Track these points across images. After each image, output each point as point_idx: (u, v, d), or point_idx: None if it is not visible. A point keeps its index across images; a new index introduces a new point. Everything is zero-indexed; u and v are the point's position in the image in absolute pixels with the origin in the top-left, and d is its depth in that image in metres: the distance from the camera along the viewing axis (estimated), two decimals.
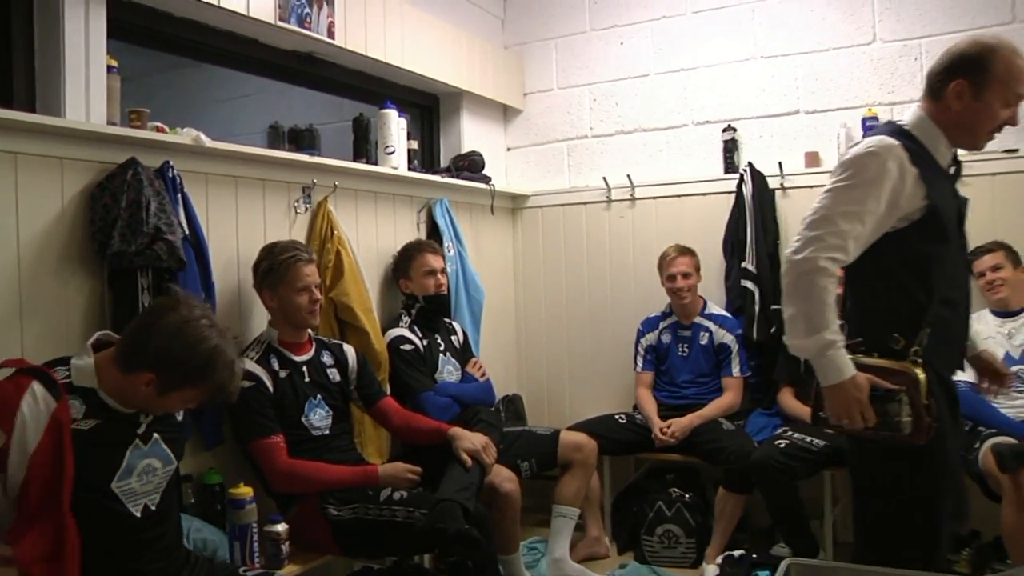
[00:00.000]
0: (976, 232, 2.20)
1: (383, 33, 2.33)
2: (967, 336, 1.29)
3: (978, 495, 2.06)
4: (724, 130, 2.68)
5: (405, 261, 2.33)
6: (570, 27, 2.92)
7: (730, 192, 2.59)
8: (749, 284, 2.52)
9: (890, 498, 1.19)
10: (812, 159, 2.60)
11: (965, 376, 2.06)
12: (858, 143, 1.24)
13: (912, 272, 1.20)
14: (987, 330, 2.30)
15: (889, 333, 1.19)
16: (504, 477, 1.94)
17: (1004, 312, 2.30)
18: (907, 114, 1.25)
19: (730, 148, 2.66)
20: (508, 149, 3.06)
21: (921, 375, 1.13)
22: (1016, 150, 2.42)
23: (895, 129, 1.23)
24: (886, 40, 2.55)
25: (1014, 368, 2.25)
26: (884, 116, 2.55)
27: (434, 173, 2.59)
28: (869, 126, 2.56)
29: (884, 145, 1.18)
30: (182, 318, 1.10)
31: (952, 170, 1.26)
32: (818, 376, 1.18)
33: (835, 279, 1.16)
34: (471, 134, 2.84)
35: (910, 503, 1.17)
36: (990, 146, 1.51)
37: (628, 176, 2.74)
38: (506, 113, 3.01)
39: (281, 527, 1.56)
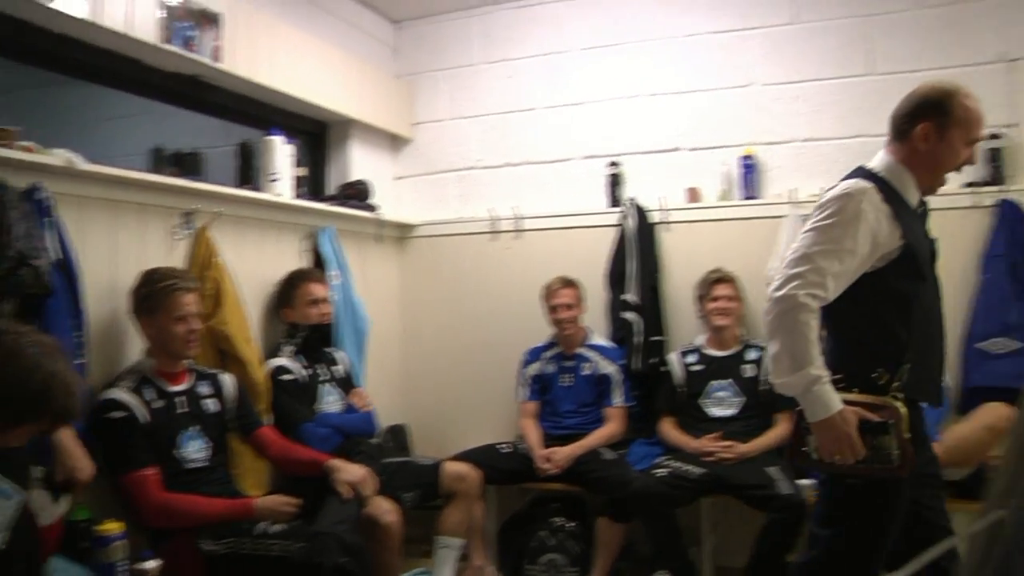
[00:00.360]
0: None
1: (270, 58, 2.80)
2: (943, 370, 1.63)
3: None
4: (609, 165, 3.37)
5: (288, 290, 2.81)
6: (460, 59, 3.57)
7: (614, 225, 3.21)
8: (631, 315, 3.17)
9: (867, 528, 1.45)
10: (693, 195, 3.31)
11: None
12: (834, 187, 1.58)
13: (893, 309, 1.52)
14: None
15: (872, 369, 1.49)
16: (384, 509, 2.27)
17: None
18: (875, 159, 1.63)
19: (614, 182, 3.34)
20: (397, 178, 3.65)
21: (903, 409, 1.45)
22: None
23: (867, 173, 1.57)
24: (765, 83, 3.31)
25: None
26: (762, 155, 3.29)
27: (321, 201, 3.13)
28: (747, 164, 3.33)
29: (858, 187, 1.52)
30: (5, 351, 1.20)
31: (920, 210, 1.63)
32: (805, 412, 1.47)
33: (817, 315, 1.46)
34: (360, 162, 3.41)
35: (883, 532, 1.45)
36: None
37: (515, 208, 3.35)
38: (395, 142, 3.58)
39: (152, 564, 1.72)
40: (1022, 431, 1.29)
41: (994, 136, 3.05)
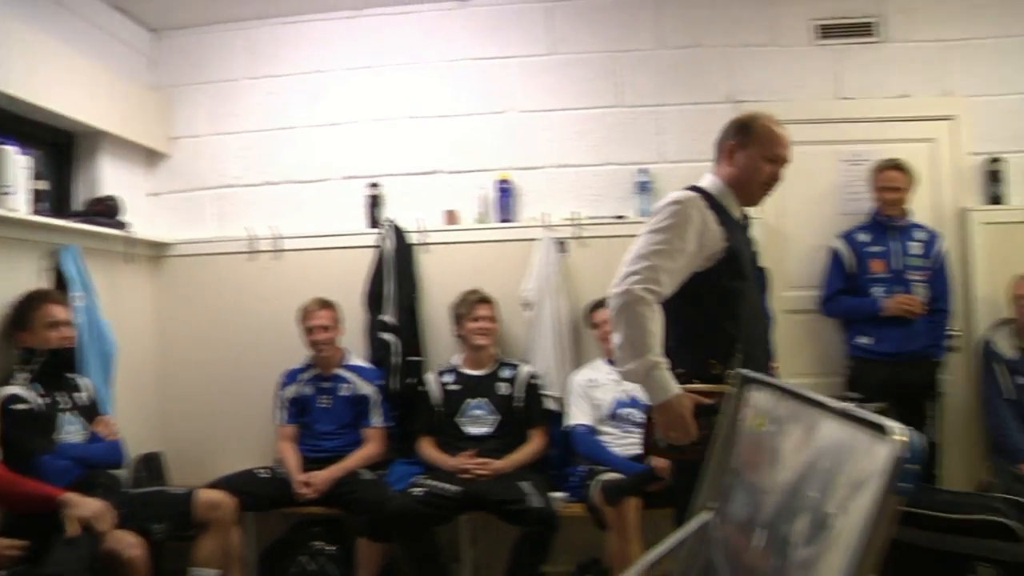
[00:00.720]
0: (594, 288, 4.01)
1: (7, 61, 3.13)
2: (769, 359, 2.22)
3: (589, 525, 3.43)
4: (369, 186, 4.08)
5: (24, 312, 3.12)
6: (222, 73, 4.17)
7: (373, 246, 3.80)
8: (389, 336, 3.86)
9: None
10: (451, 217, 4.09)
11: (584, 420, 3.81)
12: (666, 197, 2.15)
13: (721, 306, 2.07)
14: (601, 377, 3.78)
15: (706, 361, 2.02)
16: (127, 543, 2.46)
17: (615, 360, 4.09)
18: (703, 177, 2.23)
19: (374, 203, 4.06)
20: (151, 195, 4.18)
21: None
22: (623, 216, 4.08)
23: (693, 187, 2.17)
24: (521, 110, 4.17)
25: (622, 411, 3.95)
26: (517, 180, 4.08)
27: (65, 217, 3.52)
28: (503, 188, 4.15)
29: (686, 196, 2.11)
30: None
31: (743, 223, 2.22)
32: (648, 396, 1.99)
33: (654, 308, 1.93)
34: (110, 177, 3.88)
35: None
36: (602, 210, 3.80)
37: (274, 227, 3.90)
38: (151, 157, 4.04)
39: None
40: (721, 440, 1.85)
41: None
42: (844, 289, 3.81)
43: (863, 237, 3.81)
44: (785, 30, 4.23)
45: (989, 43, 4.24)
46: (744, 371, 1.83)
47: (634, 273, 2.01)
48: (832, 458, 1.30)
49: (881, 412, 3.19)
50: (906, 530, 1.65)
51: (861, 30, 4.24)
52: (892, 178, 3.86)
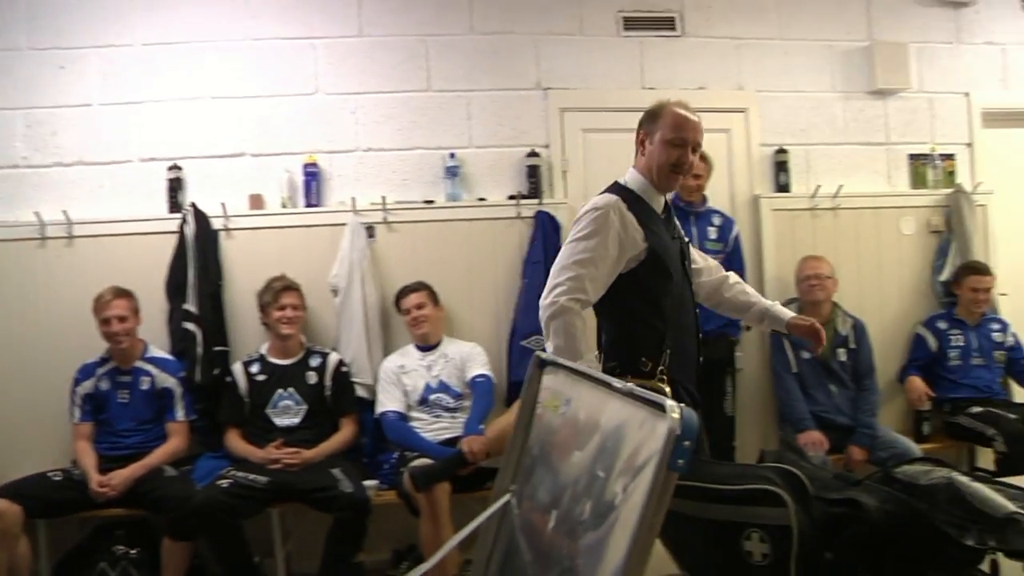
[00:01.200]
0: (403, 274, 4.27)
1: None
2: (698, 354, 2.40)
3: (405, 512, 3.60)
4: (170, 168, 4.05)
5: None
6: (2, 42, 4.02)
7: (174, 232, 3.80)
8: (191, 326, 3.85)
9: None
10: (256, 202, 4.10)
11: (394, 406, 4.03)
12: (588, 203, 2.29)
13: (648, 306, 2.23)
14: (411, 363, 3.94)
15: (638, 358, 2.19)
16: None
17: (425, 346, 4.01)
18: (626, 174, 2.35)
19: (175, 187, 4.04)
20: None
21: (667, 388, 2.15)
22: (433, 201, 4.27)
23: (616, 187, 2.27)
24: (329, 92, 4.25)
25: (432, 396, 4.19)
26: (324, 164, 4.14)
27: None
28: (309, 172, 4.21)
29: (606, 201, 2.23)
30: None
31: (665, 215, 2.31)
32: None
33: (580, 316, 2.12)
34: None
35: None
36: (411, 195, 4.02)
37: (66, 212, 3.79)
38: None
39: None
40: (521, 422, 2.02)
41: (533, 154, 4.40)
42: None
43: None
44: (592, 20, 4.51)
45: (776, 43, 4.70)
46: (542, 354, 2.01)
47: (559, 285, 2.20)
48: (617, 438, 1.37)
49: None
50: (686, 503, 1.72)
51: (663, 24, 4.63)
52: (694, 165, 4.29)
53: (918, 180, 4.80)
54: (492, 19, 4.32)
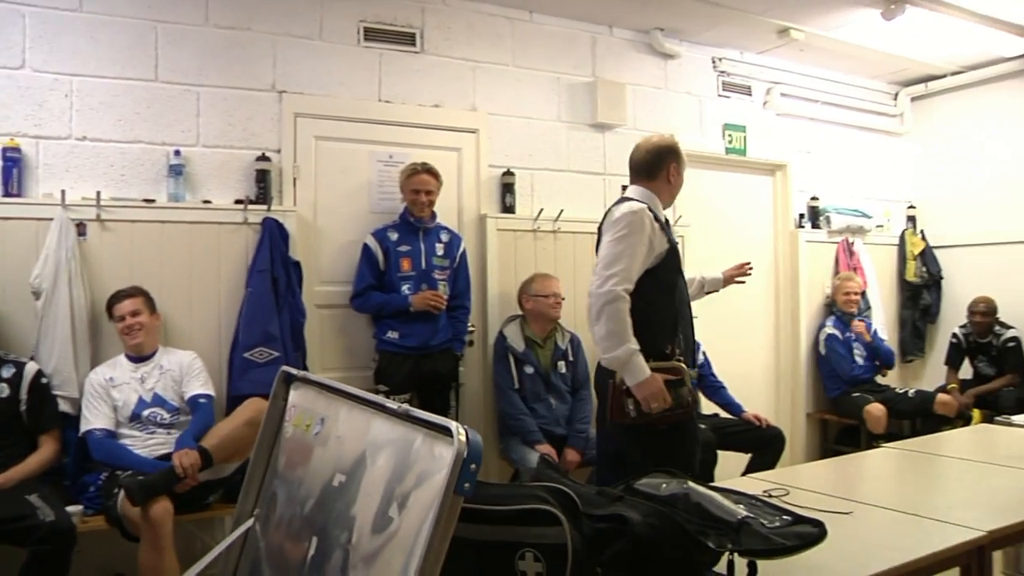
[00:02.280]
0: (117, 277, 4.01)
1: None
2: (694, 341, 2.97)
3: (117, 539, 3.31)
4: None
5: None
6: None
7: None
8: None
9: (676, 461, 2.30)
10: None
11: (101, 423, 3.73)
12: (616, 209, 2.87)
13: (665, 296, 2.76)
14: (122, 375, 3.70)
15: (663, 343, 2.73)
16: None
17: (138, 357, 3.75)
18: (632, 191, 2.97)
19: None
20: None
21: (686, 368, 2.69)
22: (153, 200, 4.07)
23: (635, 200, 2.87)
24: (38, 70, 3.93)
25: (145, 412, 4.04)
26: (28, 149, 3.81)
27: None
28: (10, 158, 3.99)
29: (639, 207, 2.78)
30: None
31: (666, 223, 2.89)
32: (628, 378, 2.64)
33: (629, 303, 2.59)
34: None
35: (692, 456, 2.76)
36: (130, 192, 3.78)
37: None
38: None
39: None
40: (264, 442, 2.01)
41: (263, 158, 4.38)
42: (375, 285, 4.17)
43: (394, 236, 4.20)
44: (333, 27, 4.56)
45: (510, 70, 5.06)
46: (289, 369, 2.11)
47: (613, 275, 2.68)
48: (388, 458, 1.38)
49: (406, 403, 3.80)
50: (462, 525, 1.73)
51: (404, 38, 4.79)
52: (425, 181, 4.45)
53: None
54: (229, 13, 4.22)
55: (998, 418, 3.83)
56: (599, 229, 2.96)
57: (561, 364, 4.58)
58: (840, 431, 5.79)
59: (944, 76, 6.83)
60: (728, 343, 5.93)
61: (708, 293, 3.54)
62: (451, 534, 1.17)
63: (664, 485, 1.90)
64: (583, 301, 5.00)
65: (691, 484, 1.87)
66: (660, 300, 2.82)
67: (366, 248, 4.12)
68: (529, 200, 4.72)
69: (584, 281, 4.99)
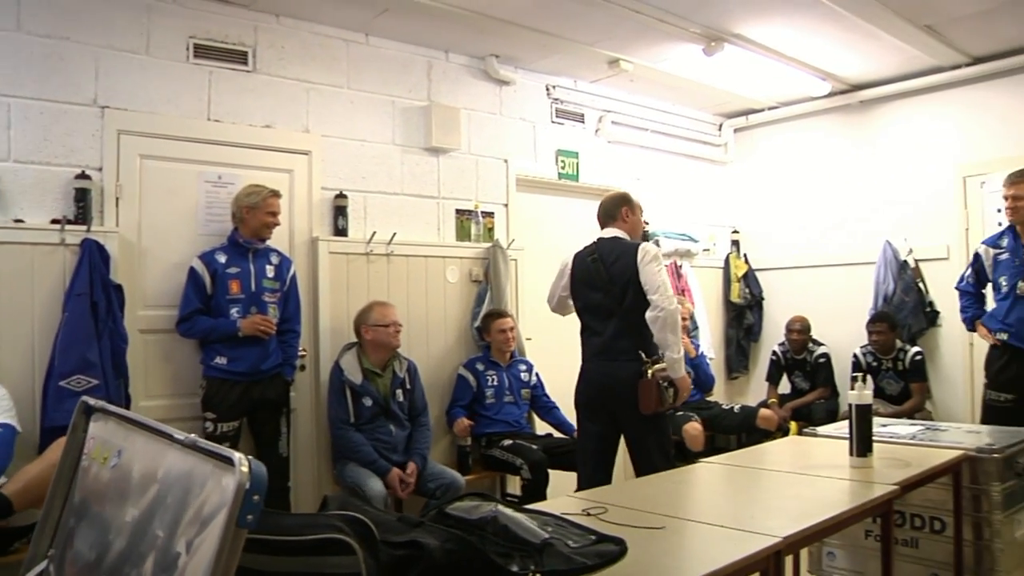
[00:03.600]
0: None
1: None
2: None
3: None
4: None
5: None
6: None
7: None
8: None
9: (665, 435, 4.01)
10: None
11: None
12: (643, 247, 4.01)
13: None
14: None
15: (656, 350, 3.82)
16: None
17: None
18: (614, 232, 4.19)
19: None
20: None
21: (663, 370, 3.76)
22: (23, 220, 4.02)
23: (639, 240, 4.20)
24: None
25: None
26: None
27: None
28: None
29: (655, 246, 4.05)
30: None
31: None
32: (678, 374, 3.84)
33: None
34: None
35: (670, 440, 4.04)
36: None
37: None
38: None
39: None
40: (61, 477, 1.89)
41: (83, 176, 4.29)
42: (202, 310, 4.14)
43: (222, 258, 4.19)
44: (160, 42, 4.52)
45: (344, 92, 5.20)
46: (88, 400, 2.02)
47: (672, 296, 3.84)
48: (179, 492, 1.33)
49: (235, 431, 3.84)
50: (257, 557, 1.63)
51: (235, 56, 4.81)
52: (277, 205, 4.44)
53: (463, 233, 5.56)
54: (46, 20, 4.11)
55: (806, 430, 4.20)
56: (610, 259, 4.06)
57: (399, 392, 4.71)
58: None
59: (763, 110, 7.41)
60: (564, 363, 6.21)
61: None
62: (234, 568, 1.16)
63: (476, 508, 2.03)
64: (419, 326, 5.22)
65: (500, 507, 2.01)
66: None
67: (192, 271, 4.07)
68: (362, 223, 4.84)
69: (419, 305, 5.21)
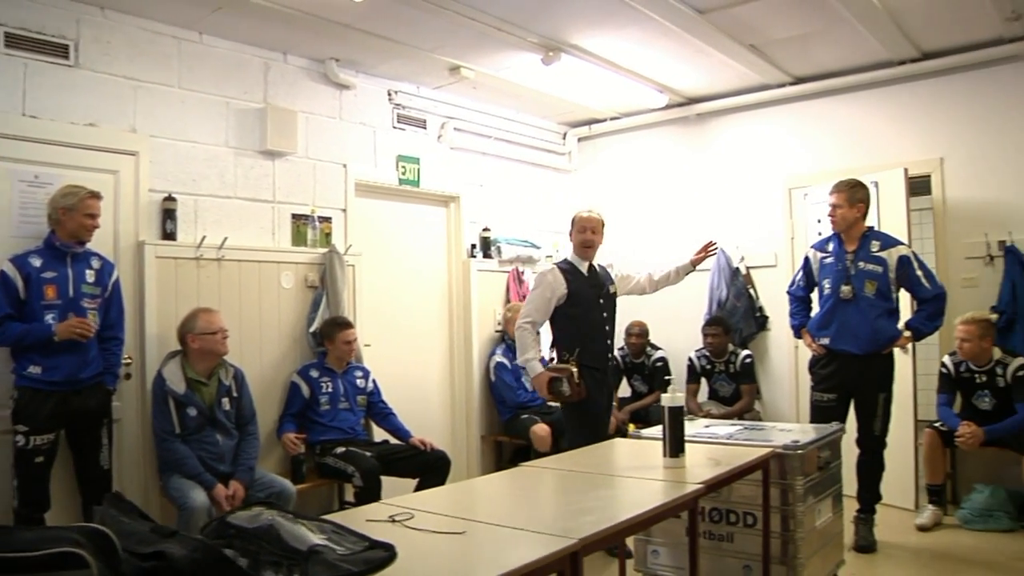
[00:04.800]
0: None
1: None
2: (605, 349, 4.85)
3: None
4: None
5: None
6: None
7: None
8: None
9: (572, 425, 4.78)
10: None
11: None
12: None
13: (569, 323, 4.71)
14: None
15: (563, 351, 4.66)
16: None
17: None
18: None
19: None
20: None
21: (574, 368, 4.53)
22: None
23: (559, 261, 4.97)
24: None
25: None
26: None
27: None
28: None
29: (550, 267, 4.85)
30: None
31: (588, 273, 4.84)
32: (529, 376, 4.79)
33: (531, 333, 4.69)
34: None
35: (580, 429, 4.59)
36: None
37: None
38: None
39: None
40: None
41: None
42: (13, 316, 3.95)
43: (37, 262, 4.02)
44: None
45: (175, 91, 5.10)
46: None
47: (524, 314, 4.78)
48: None
49: (51, 443, 3.70)
50: None
51: (55, 49, 4.62)
52: (97, 207, 4.27)
53: (299, 238, 5.55)
54: None
55: (632, 432, 4.40)
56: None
57: (226, 401, 4.65)
58: (514, 451, 6.38)
59: (606, 120, 7.70)
60: (405, 370, 6.31)
61: (685, 275, 5.16)
62: None
63: (256, 517, 2.06)
64: (252, 333, 5.19)
65: (277, 516, 2.05)
66: (565, 325, 4.75)
67: (3, 275, 3.89)
68: (192, 227, 4.76)
69: (252, 311, 5.17)
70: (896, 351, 4.96)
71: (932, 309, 4.65)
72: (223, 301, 4.90)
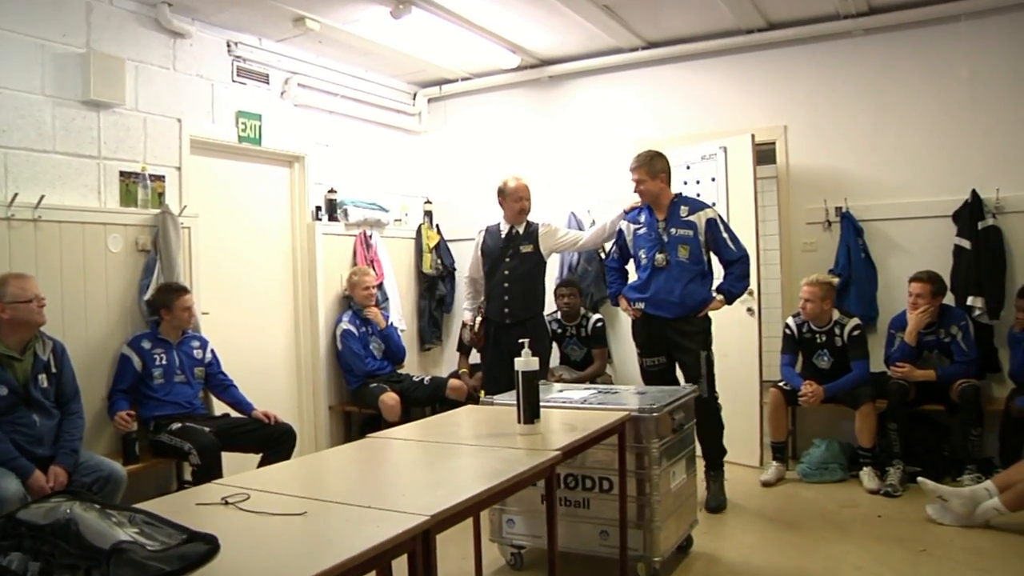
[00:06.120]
0: None
1: None
2: (502, 305, 5.36)
3: None
4: None
5: None
6: None
7: None
8: None
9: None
10: None
11: None
12: None
13: (485, 278, 5.49)
14: None
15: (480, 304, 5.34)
16: None
17: None
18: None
19: None
20: None
21: (479, 319, 5.43)
22: None
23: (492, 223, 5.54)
24: None
25: None
26: None
27: None
28: None
29: (482, 228, 5.56)
30: None
31: (506, 237, 5.41)
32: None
33: (467, 286, 5.81)
34: None
35: (488, 373, 5.52)
36: None
37: None
38: None
39: None
40: None
41: None
42: None
43: None
44: None
45: None
46: None
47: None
48: None
49: None
50: None
51: None
52: None
53: (128, 198, 5.11)
54: None
55: (484, 399, 4.27)
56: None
57: (42, 378, 4.16)
58: (364, 421, 6.19)
59: (457, 80, 7.52)
60: (246, 338, 6.00)
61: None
62: None
63: (50, 512, 1.74)
64: (76, 301, 4.74)
65: (76, 508, 1.77)
66: (484, 281, 5.41)
67: None
68: (2, 184, 4.28)
69: (75, 278, 4.74)
70: (743, 314, 5.06)
71: (739, 271, 4.78)
72: (40, 266, 4.45)
